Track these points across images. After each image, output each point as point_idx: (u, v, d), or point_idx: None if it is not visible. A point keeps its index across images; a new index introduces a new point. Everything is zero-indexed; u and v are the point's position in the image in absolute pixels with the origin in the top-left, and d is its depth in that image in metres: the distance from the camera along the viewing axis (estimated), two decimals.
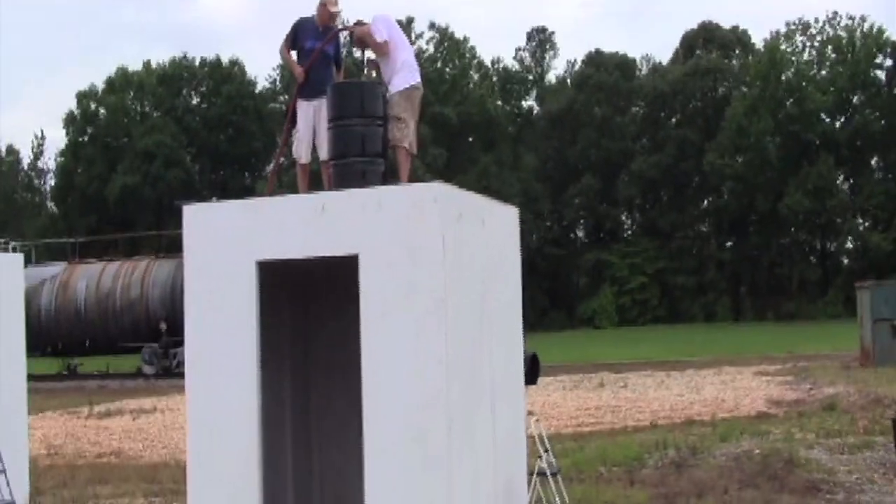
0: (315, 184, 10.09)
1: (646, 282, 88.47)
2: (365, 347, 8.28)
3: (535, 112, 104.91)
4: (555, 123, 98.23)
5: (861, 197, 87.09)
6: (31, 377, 36.09)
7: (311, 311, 11.23)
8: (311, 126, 10.11)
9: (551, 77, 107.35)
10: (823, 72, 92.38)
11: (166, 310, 39.76)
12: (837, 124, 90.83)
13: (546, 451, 9.82)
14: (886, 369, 29.44)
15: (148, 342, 41.68)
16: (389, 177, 9.49)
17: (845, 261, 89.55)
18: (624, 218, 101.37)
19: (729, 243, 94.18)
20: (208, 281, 8.80)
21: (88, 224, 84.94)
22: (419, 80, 9.97)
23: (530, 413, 11.55)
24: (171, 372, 38.78)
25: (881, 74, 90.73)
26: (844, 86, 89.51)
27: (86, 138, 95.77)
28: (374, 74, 10.00)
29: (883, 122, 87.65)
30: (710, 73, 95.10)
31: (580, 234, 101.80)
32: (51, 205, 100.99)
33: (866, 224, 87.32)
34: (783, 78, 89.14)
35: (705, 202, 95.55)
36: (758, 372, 31.19)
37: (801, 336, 52.21)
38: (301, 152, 10.13)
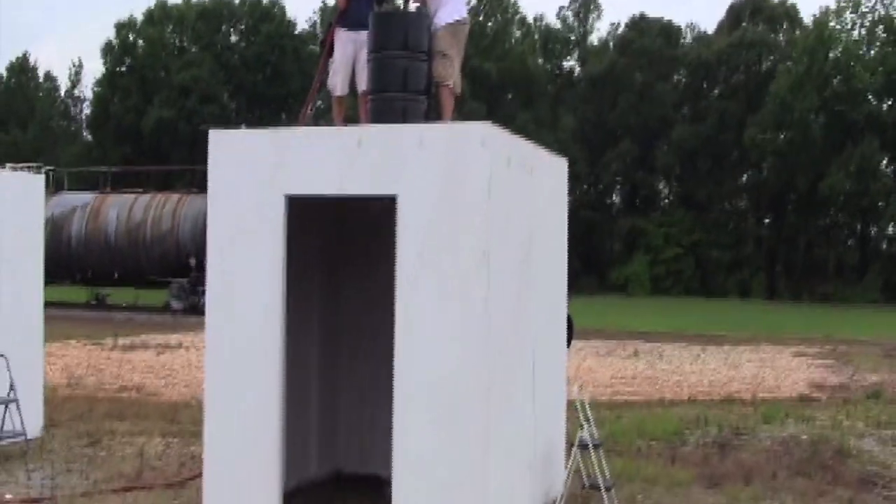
0: (351, 120, 9.42)
1: (681, 253, 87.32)
2: (400, 300, 7.66)
3: (575, 73, 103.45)
4: (595, 85, 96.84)
5: None
6: (57, 304, 36.03)
7: (341, 254, 10.62)
8: (350, 57, 9.38)
9: (594, 39, 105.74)
10: (872, 51, 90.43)
11: (196, 245, 39.27)
12: (884, 106, 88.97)
13: (588, 420, 9.16)
14: None
15: (177, 277, 41.26)
16: (431, 116, 8.81)
17: (885, 246, 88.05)
18: (661, 186, 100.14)
19: (766, 220, 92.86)
20: (233, 211, 8.20)
21: (123, 155, 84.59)
22: (467, 14, 9.22)
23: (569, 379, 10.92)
24: (198, 308, 38.32)
25: None
26: (894, 67, 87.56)
27: (123, 69, 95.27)
28: (419, 6, 9.23)
29: None
30: (756, 46, 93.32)
31: (616, 199, 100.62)
32: (86, 133, 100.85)
33: None
34: (830, 56, 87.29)
35: (744, 177, 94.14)
36: (796, 353, 30.27)
37: (839, 320, 51.11)
38: (337, 84, 9.41)
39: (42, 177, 13.35)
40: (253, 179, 8.08)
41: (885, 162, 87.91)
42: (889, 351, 31.76)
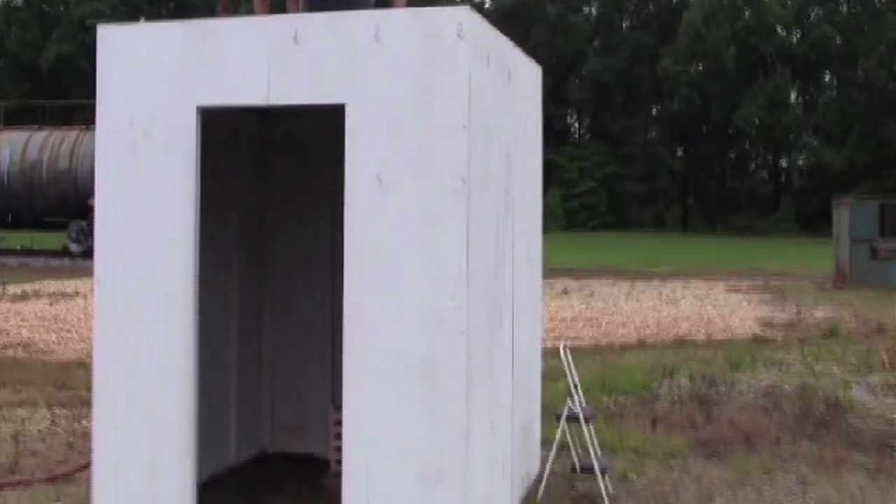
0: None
1: (595, 186, 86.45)
2: (350, 240, 5.83)
3: (486, 5, 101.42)
4: (507, 18, 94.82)
5: (815, 114, 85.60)
6: None
7: (269, 183, 8.76)
8: None
9: None
10: None
11: None
12: (794, 38, 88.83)
13: (576, 386, 7.48)
14: (866, 291, 27.71)
15: (76, 219, 38.76)
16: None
17: (797, 177, 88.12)
18: (573, 120, 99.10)
19: (679, 152, 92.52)
20: (130, 131, 6.25)
21: (21, 93, 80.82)
22: None
23: None
24: None
25: None
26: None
27: (19, 2, 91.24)
28: None
29: (839, 38, 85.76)
30: None
31: None
32: None
33: (819, 141, 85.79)
34: None
35: (657, 109, 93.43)
36: (729, 287, 29.28)
37: (759, 251, 50.68)
38: None
39: None
40: (155, 88, 6.16)
41: (794, 94, 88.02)
42: (820, 283, 31.10)
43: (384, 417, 5.79)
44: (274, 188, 8.81)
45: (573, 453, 7.76)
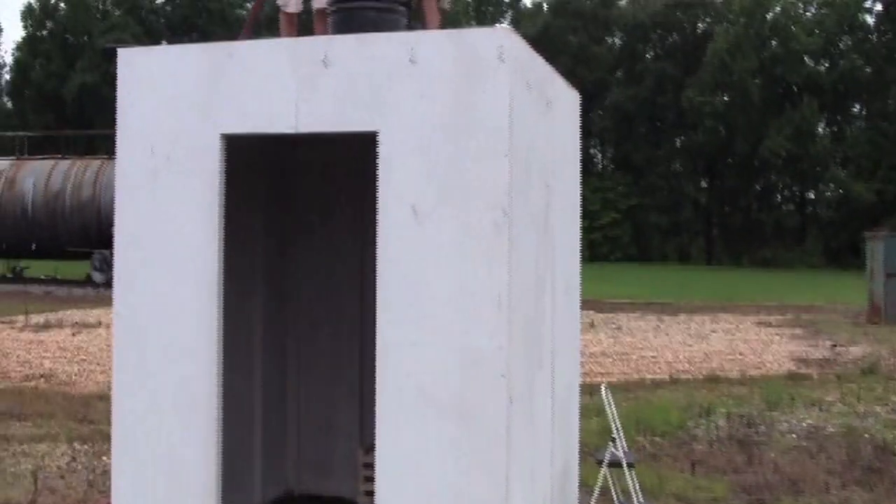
0: None
1: (618, 218, 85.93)
2: (382, 274, 5.50)
3: None
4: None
5: (844, 144, 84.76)
6: None
7: (292, 211, 8.45)
8: None
9: (527, 0, 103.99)
10: (810, 13, 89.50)
11: None
12: (822, 68, 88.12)
13: (617, 429, 7.11)
14: None
15: (99, 248, 38.62)
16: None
17: (824, 209, 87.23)
18: (596, 150, 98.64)
19: (704, 184, 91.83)
20: (151, 158, 5.96)
21: (45, 122, 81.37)
22: None
23: None
24: None
25: (870, 19, 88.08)
26: (831, 28, 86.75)
27: (44, 33, 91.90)
28: None
29: (868, 68, 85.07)
30: (693, 7, 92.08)
31: None
32: (6, 100, 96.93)
33: (847, 173, 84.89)
34: (768, 16, 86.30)
35: (681, 139, 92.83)
36: (758, 322, 28.73)
37: (786, 285, 49.97)
38: None
39: None
40: (177, 114, 5.87)
41: (823, 125, 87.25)
42: (853, 318, 30.55)
43: (418, 463, 5.43)
44: (297, 217, 8.51)
45: (615, 500, 7.38)
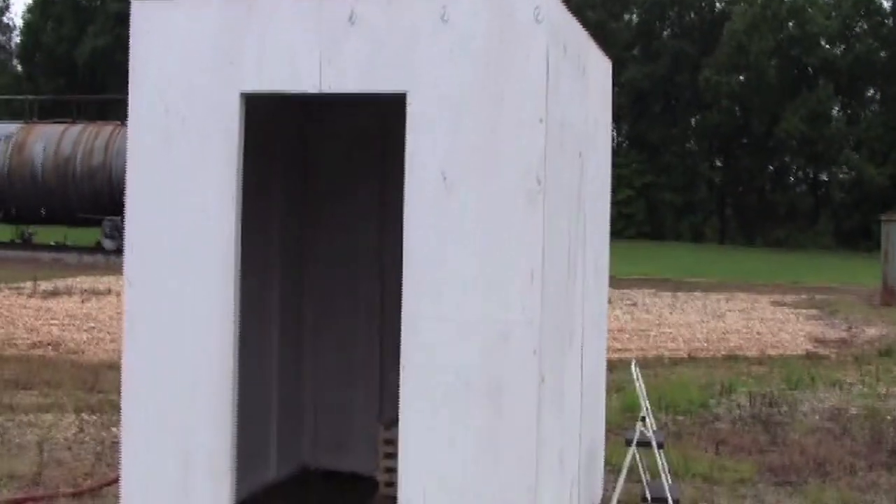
0: None
1: (632, 195, 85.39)
2: (409, 244, 5.23)
3: None
4: None
5: (858, 128, 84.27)
6: None
7: (311, 180, 8.17)
8: None
9: None
10: None
11: None
12: (838, 51, 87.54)
13: (647, 409, 6.85)
14: None
15: (110, 215, 38.35)
16: None
17: (837, 192, 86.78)
18: (611, 127, 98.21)
19: (719, 163, 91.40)
20: (166, 118, 5.68)
21: (56, 87, 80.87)
22: None
23: None
24: None
25: (886, 3, 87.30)
26: (848, 12, 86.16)
27: None
28: None
29: (884, 52, 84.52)
30: None
31: None
32: (16, 63, 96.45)
33: (861, 156, 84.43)
34: None
35: (695, 119, 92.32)
36: (774, 301, 28.52)
37: (799, 265, 49.69)
38: None
39: None
40: (194, 71, 5.58)
41: (837, 108, 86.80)
42: (867, 299, 30.34)
43: (444, 443, 5.17)
44: (316, 186, 8.22)
45: (644, 481, 7.14)
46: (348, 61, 5.32)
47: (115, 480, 6.70)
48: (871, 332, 21.41)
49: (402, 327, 5.24)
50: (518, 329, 5.03)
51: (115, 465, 7.57)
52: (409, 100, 5.17)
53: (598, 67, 6.91)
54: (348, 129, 8.08)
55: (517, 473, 5.05)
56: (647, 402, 6.97)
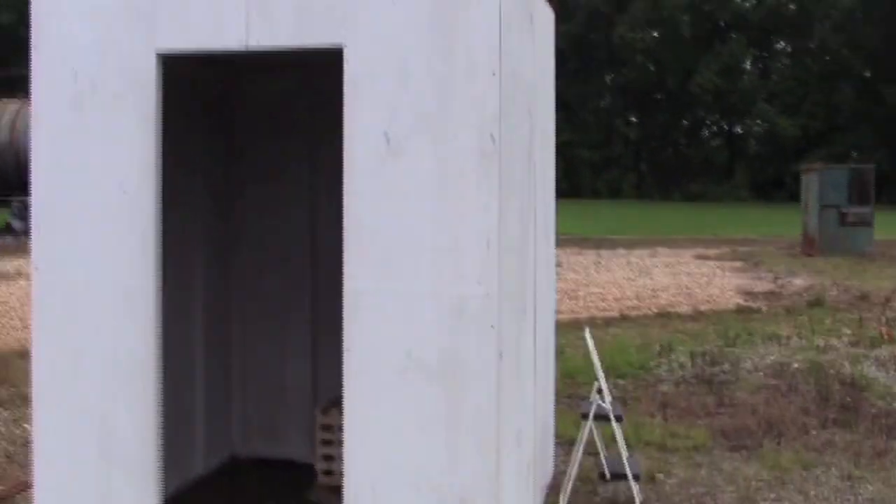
0: None
1: None
2: (350, 213, 4.75)
3: None
4: None
5: (770, 81, 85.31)
6: None
7: (234, 146, 7.62)
8: None
9: None
10: None
11: None
12: (749, 5, 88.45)
13: (601, 378, 6.45)
14: (836, 258, 27.17)
15: (18, 194, 37.13)
16: None
17: (752, 144, 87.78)
18: None
19: (634, 119, 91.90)
20: (74, 84, 5.11)
21: None
22: None
23: None
24: None
25: None
26: None
27: None
28: None
29: (793, 5, 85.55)
30: None
31: None
32: None
33: (774, 108, 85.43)
34: None
35: (611, 76, 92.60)
36: (697, 255, 28.56)
37: (717, 218, 50.11)
38: None
39: None
40: (104, 29, 5.01)
41: (749, 61, 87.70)
42: (788, 250, 30.56)
43: (394, 428, 4.73)
44: (241, 152, 7.66)
45: (601, 455, 6.77)
46: (279, 14, 4.79)
47: (28, 487, 6.11)
48: (798, 282, 21.42)
49: (345, 304, 4.77)
50: (474, 301, 4.59)
51: (27, 467, 6.96)
52: (346, 55, 4.67)
53: (544, 17, 6.47)
54: (275, 92, 7.52)
55: (477, 460, 4.63)
56: (601, 372, 6.57)
